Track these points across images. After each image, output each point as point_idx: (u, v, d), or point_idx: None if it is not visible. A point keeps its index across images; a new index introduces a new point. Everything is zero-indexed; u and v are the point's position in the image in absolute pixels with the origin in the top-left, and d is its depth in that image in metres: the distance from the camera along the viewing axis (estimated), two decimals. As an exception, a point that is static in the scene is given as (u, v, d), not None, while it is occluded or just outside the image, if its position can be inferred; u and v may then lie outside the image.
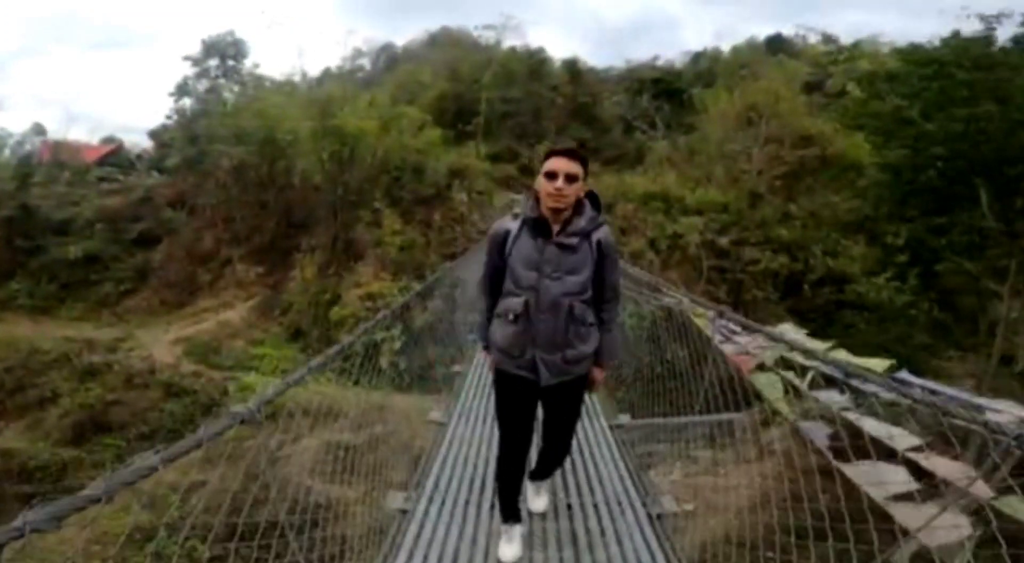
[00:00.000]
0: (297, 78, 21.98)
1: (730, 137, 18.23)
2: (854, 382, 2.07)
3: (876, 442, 2.04)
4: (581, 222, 2.23)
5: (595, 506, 2.97)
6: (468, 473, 3.35)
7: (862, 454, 2.09)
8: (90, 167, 24.75)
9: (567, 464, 3.45)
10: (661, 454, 4.18)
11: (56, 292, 18.52)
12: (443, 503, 2.96)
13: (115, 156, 28.66)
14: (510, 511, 2.57)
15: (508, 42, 26.74)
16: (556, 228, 2.21)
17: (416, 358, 6.52)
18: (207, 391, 11.82)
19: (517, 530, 2.58)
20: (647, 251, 15.71)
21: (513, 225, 2.33)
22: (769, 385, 2.76)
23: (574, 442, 3.97)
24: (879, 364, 2.58)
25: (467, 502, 3.00)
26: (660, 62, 29.16)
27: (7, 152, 25.77)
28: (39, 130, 28.40)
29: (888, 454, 2.06)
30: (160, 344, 14.72)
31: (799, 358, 2.57)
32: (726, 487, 4.09)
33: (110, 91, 57.85)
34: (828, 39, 26.32)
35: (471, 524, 2.78)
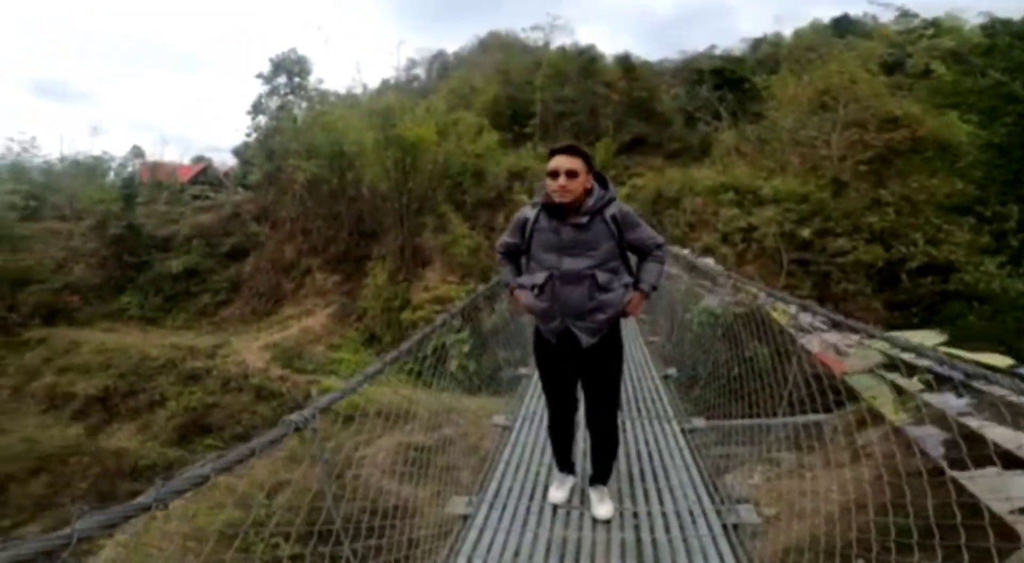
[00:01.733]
0: (358, 91, 22.81)
1: (804, 123, 17.07)
2: (977, 384, 1.81)
3: (999, 449, 1.76)
4: (590, 202, 2.44)
5: (664, 515, 2.78)
6: (531, 479, 3.25)
7: (981, 462, 1.82)
8: (184, 186, 27.01)
9: (634, 470, 3.29)
10: (739, 457, 3.92)
11: (162, 304, 20.20)
12: (504, 509, 2.90)
13: (204, 175, 31.04)
14: (564, 462, 2.95)
15: (557, 42, 26.63)
16: (570, 213, 2.44)
17: (484, 361, 6.54)
18: (292, 394, 12.53)
19: (569, 480, 2.95)
20: (720, 245, 15.01)
21: (532, 212, 2.56)
22: (870, 387, 2.51)
23: (643, 447, 3.82)
24: (999, 361, 2.26)
25: (528, 510, 2.90)
26: (718, 51, 27.89)
27: (112, 175, 28.37)
28: (138, 152, 31.14)
29: (1014, 463, 1.79)
30: (252, 350, 15.75)
31: (907, 357, 2.26)
32: (814, 491, 3.77)
33: (195, 112, 62.95)
34: (904, 16, 24.16)
35: (531, 532, 2.69)
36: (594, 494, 2.83)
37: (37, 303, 18.38)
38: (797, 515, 2.98)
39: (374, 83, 27.28)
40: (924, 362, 2.12)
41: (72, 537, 0.80)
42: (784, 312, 3.36)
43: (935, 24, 21.65)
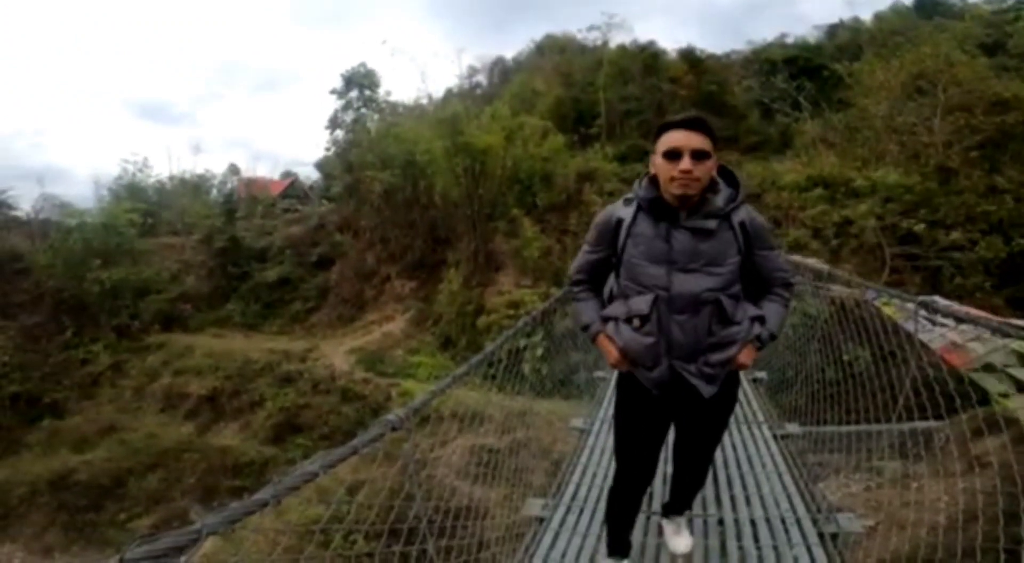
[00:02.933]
0: (424, 101, 23.53)
1: (899, 109, 15.82)
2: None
3: None
4: (717, 201, 1.82)
5: (752, 523, 2.67)
6: (608, 483, 3.21)
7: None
8: (276, 200, 29.07)
9: (720, 476, 3.18)
10: (834, 465, 3.67)
11: (260, 310, 21.78)
12: (581, 512, 2.89)
13: (292, 188, 33.24)
14: (618, 542, 2.28)
15: (616, 40, 26.01)
16: (683, 213, 1.83)
17: (558, 364, 6.52)
18: (374, 396, 13.13)
19: None
20: (810, 241, 14.08)
21: (626, 211, 1.91)
22: (996, 385, 2.26)
23: (731, 452, 3.67)
24: None
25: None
26: (789, 40, 26.36)
27: (214, 191, 31.00)
28: (234, 170, 33.48)
29: None
30: (338, 354, 16.67)
31: None
32: (918, 502, 3.45)
33: (280, 129, 67.51)
34: None
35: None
36: (669, 526, 2.45)
37: (156, 311, 20.46)
38: (899, 526, 2.75)
39: (438, 92, 28.05)
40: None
41: (201, 532, 0.86)
42: (893, 307, 3.09)
43: None
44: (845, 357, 4.01)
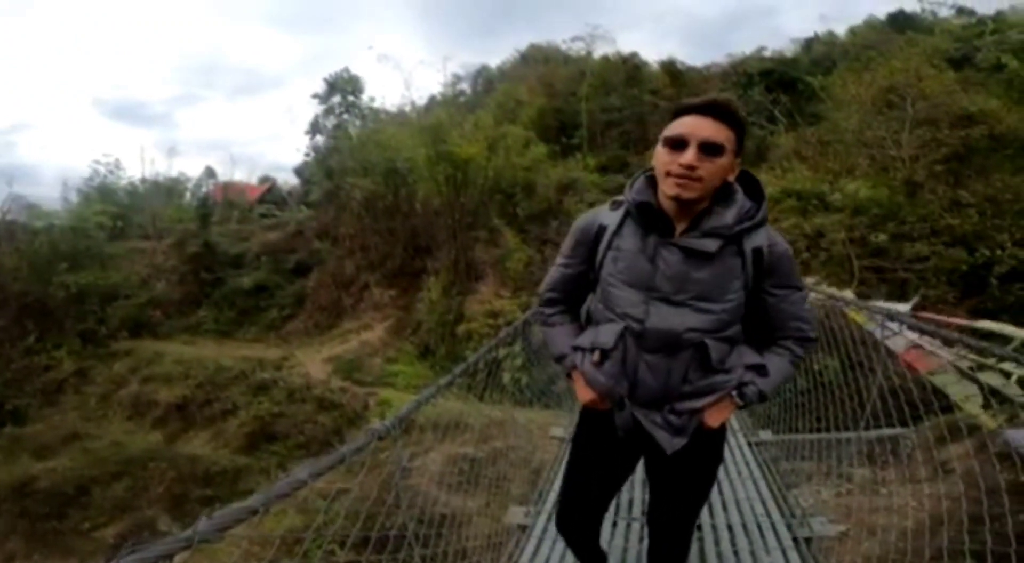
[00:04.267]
0: (407, 108, 23.51)
1: (869, 123, 16.36)
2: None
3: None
4: (727, 216, 1.40)
5: (729, 527, 2.73)
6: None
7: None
8: (253, 205, 28.64)
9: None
10: (806, 472, 3.77)
11: (235, 317, 21.38)
12: (562, 521, 2.91)
13: (271, 194, 32.68)
14: (590, 558, 1.93)
15: (599, 51, 26.40)
16: (681, 226, 1.43)
17: (537, 373, 6.55)
18: (352, 405, 12.96)
19: None
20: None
21: (611, 217, 1.53)
22: (957, 389, 2.36)
23: None
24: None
25: (586, 520, 2.90)
26: (767, 53, 27.12)
27: (188, 195, 30.43)
28: (210, 173, 33.24)
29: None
30: (314, 362, 16.42)
31: (1008, 356, 2.09)
32: (888, 507, 3.58)
33: (258, 133, 66.55)
34: (962, 12, 22.82)
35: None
36: None
37: (124, 317, 19.94)
38: (869, 531, 2.85)
39: (422, 99, 28.16)
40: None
41: (193, 539, 0.85)
42: (860, 314, 3.22)
43: (1000, 19, 20.54)
44: (815, 367, 4.13)
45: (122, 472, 12.94)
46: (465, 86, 33.55)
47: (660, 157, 1.41)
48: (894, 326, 2.90)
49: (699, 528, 2.71)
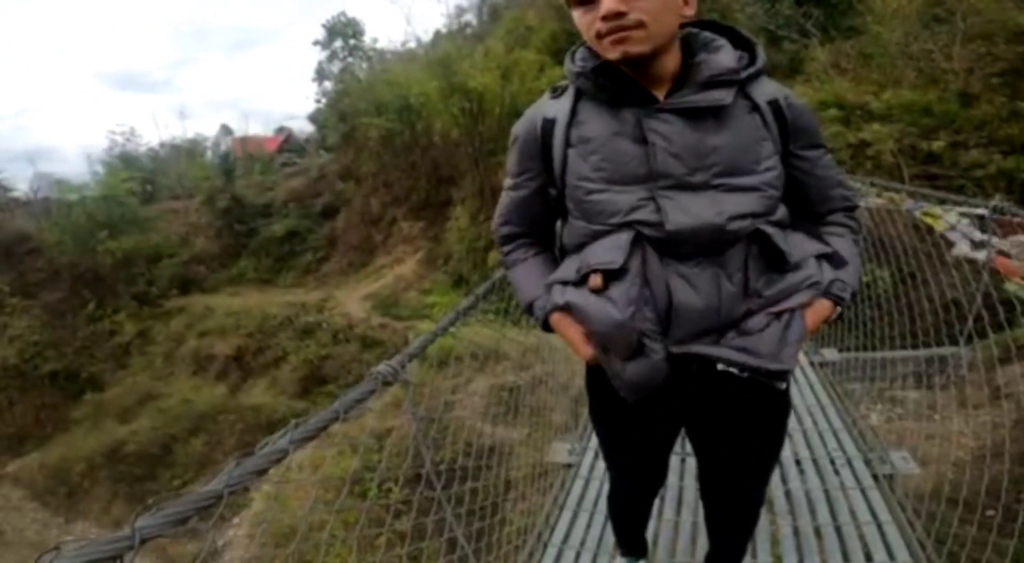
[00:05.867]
0: (412, 44, 22.61)
1: (916, 36, 15.57)
2: None
3: None
4: (722, 59, 1.04)
5: (798, 462, 2.46)
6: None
7: None
8: (273, 156, 28.57)
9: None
10: (856, 395, 3.55)
11: (272, 265, 21.83)
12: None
13: (288, 143, 32.67)
14: (631, 542, 1.69)
15: None
16: (662, 90, 1.05)
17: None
18: (393, 341, 13.28)
19: None
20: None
21: (557, 106, 1.13)
22: None
23: None
24: None
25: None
26: None
27: (208, 153, 30.46)
28: (227, 130, 33.11)
29: None
30: (353, 301, 16.78)
31: None
32: (943, 435, 3.35)
33: (266, 86, 65.34)
34: None
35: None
36: None
37: (171, 275, 20.63)
38: (921, 462, 2.64)
39: (427, 35, 26.74)
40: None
41: (134, 539, 0.80)
42: (938, 218, 2.85)
43: None
44: (864, 278, 3.80)
45: (197, 427, 13.79)
46: (471, 17, 31.69)
47: (579, 21, 1.04)
48: (977, 233, 2.53)
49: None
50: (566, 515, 2.40)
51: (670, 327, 1.05)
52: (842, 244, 1.16)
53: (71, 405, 16.66)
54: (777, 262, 1.05)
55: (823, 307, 1.11)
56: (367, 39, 24.99)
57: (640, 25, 0.97)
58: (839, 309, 1.13)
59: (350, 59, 25.00)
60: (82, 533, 12.17)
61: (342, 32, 24.60)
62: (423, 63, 19.30)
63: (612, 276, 1.04)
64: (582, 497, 2.52)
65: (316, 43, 25.04)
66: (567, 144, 1.09)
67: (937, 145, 13.29)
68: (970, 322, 2.45)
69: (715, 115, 1.02)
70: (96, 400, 16.44)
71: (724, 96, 1.01)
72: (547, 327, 1.20)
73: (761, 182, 1.04)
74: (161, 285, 20.27)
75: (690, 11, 1.04)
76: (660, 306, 1.04)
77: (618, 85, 1.05)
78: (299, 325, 15.99)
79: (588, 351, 1.15)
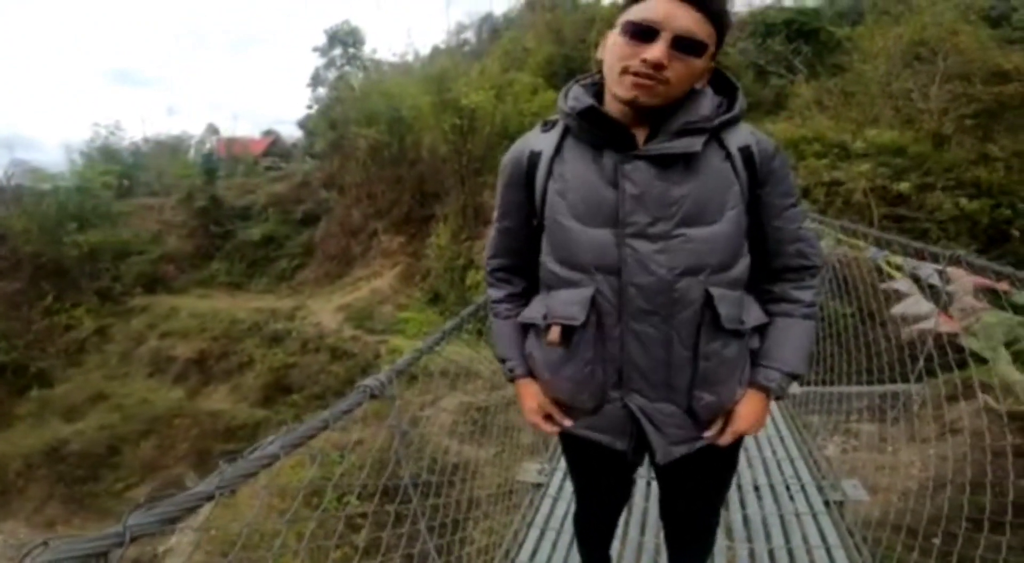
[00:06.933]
0: (410, 57, 23.00)
1: (897, 75, 16.20)
2: None
3: None
4: (700, 107, 1.07)
5: (756, 488, 2.59)
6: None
7: None
8: (258, 159, 28.41)
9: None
10: (814, 426, 3.66)
11: (246, 269, 21.46)
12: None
13: (275, 147, 32.63)
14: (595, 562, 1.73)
15: None
16: (641, 134, 1.08)
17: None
18: (364, 354, 13.07)
19: None
20: (800, 200, 14.21)
21: (545, 140, 1.16)
22: (990, 349, 2.15)
23: None
24: None
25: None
26: (789, 3, 25.83)
27: (192, 152, 30.09)
28: (213, 130, 32.97)
29: None
30: (326, 312, 16.50)
31: None
32: (892, 466, 3.48)
33: (260, 88, 65.36)
34: None
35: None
36: None
37: (138, 273, 20.06)
38: (871, 490, 2.75)
39: (425, 49, 27.26)
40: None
41: (125, 536, 0.80)
42: (896, 265, 2.96)
43: None
44: (828, 314, 3.94)
45: (149, 430, 13.25)
46: (470, 35, 32.43)
47: (617, 48, 1.05)
48: (936, 280, 2.65)
49: (724, 489, 2.58)
50: (534, 533, 2.38)
51: (623, 382, 1.13)
52: (794, 329, 1.17)
53: (16, 400, 15.85)
54: (723, 326, 1.09)
55: (755, 402, 1.17)
56: (367, 49, 25.36)
57: (666, 82, 1.02)
58: (777, 394, 1.18)
59: (347, 67, 25.23)
60: (10, 534, 11.46)
61: (343, 40, 24.86)
62: (419, 77, 19.55)
63: (571, 331, 1.11)
64: (550, 516, 2.51)
65: (316, 49, 25.32)
66: (549, 177, 1.14)
67: (904, 186, 13.81)
68: (921, 362, 2.55)
69: (686, 162, 1.06)
70: (43, 396, 15.68)
71: (694, 144, 1.05)
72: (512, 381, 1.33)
73: (721, 232, 1.07)
74: (126, 282, 19.66)
75: (702, 84, 1.09)
76: (615, 364, 1.12)
77: (601, 129, 1.08)
78: (268, 332, 15.63)
79: (534, 419, 1.28)
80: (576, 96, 1.12)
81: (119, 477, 12.47)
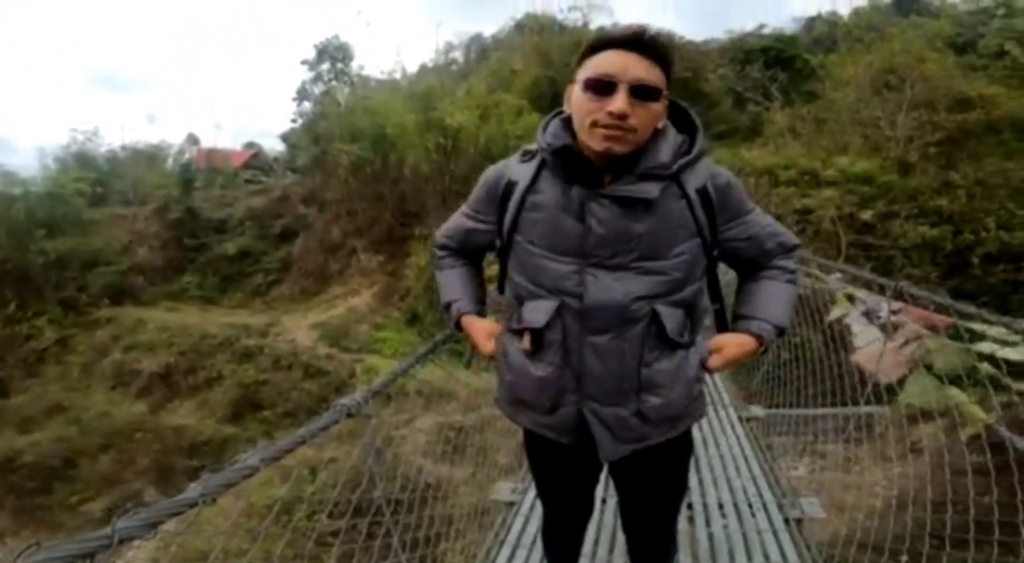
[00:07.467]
0: (398, 75, 23.19)
1: (865, 103, 16.66)
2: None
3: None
4: (661, 152, 1.18)
5: (720, 506, 2.70)
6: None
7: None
8: (237, 171, 28.10)
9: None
10: (783, 447, 3.79)
11: (219, 284, 21.06)
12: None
13: (256, 160, 32.24)
14: None
15: (596, 22, 26.08)
16: (609, 175, 1.20)
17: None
18: (338, 372, 12.89)
19: None
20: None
21: (522, 171, 1.29)
22: (924, 392, 2.27)
23: (697, 434, 3.70)
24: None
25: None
26: (767, 30, 26.93)
27: (170, 161, 29.71)
28: (193, 140, 32.78)
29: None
30: (301, 329, 16.26)
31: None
32: (858, 485, 3.61)
33: (244, 99, 65.16)
34: None
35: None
36: None
37: (105, 284, 19.52)
38: (838, 509, 2.86)
39: (413, 67, 27.54)
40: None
41: (113, 538, 0.83)
42: (845, 300, 3.13)
43: (1007, 4, 20.57)
44: (796, 339, 4.10)
45: (108, 444, 12.84)
46: (458, 54, 32.90)
47: (582, 104, 1.15)
48: (883, 312, 2.81)
49: (689, 507, 2.67)
50: (505, 551, 2.43)
51: (580, 389, 1.26)
52: (774, 290, 1.33)
53: (-33, 411, 15.17)
54: (667, 340, 1.23)
55: (737, 343, 1.32)
56: (355, 65, 25.59)
57: (633, 129, 1.13)
58: (763, 346, 1.32)
59: (335, 82, 25.36)
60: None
61: (332, 55, 25.03)
62: (405, 94, 19.66)
63: (539, 337, 1.25)
64: (522, 533, 2.56)
65: (304, 62, 25.42)
66: (521, 207, 1.26)
67: (869, 215, 14.14)
68: (882, 385, 2.68)
69: (645, 204, 1.18)
70: (-3, 406, 15.07)
71: (652, 190, 1.17)
72: (459, 326, 1.48)
73: (670, 266, 1.21)
74: (92, 292, 19.10)
75: (663, 124, 1.21)
76: (575, 369, 1.25)
77: (573, 167, 1.20)
78: (239, 348, 15.31)
79: (489, 347, 1.41)
80: (554, 132, 1.24)
81: (74, 490, 12.02)
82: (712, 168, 1.26)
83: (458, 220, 1.47)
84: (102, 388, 15.29)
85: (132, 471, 12.13)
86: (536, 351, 1.26)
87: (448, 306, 1.47)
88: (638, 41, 1.13)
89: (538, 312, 1.24)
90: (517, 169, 1.30)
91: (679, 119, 1.27)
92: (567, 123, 1.24)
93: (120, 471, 12.25)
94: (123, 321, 17.77)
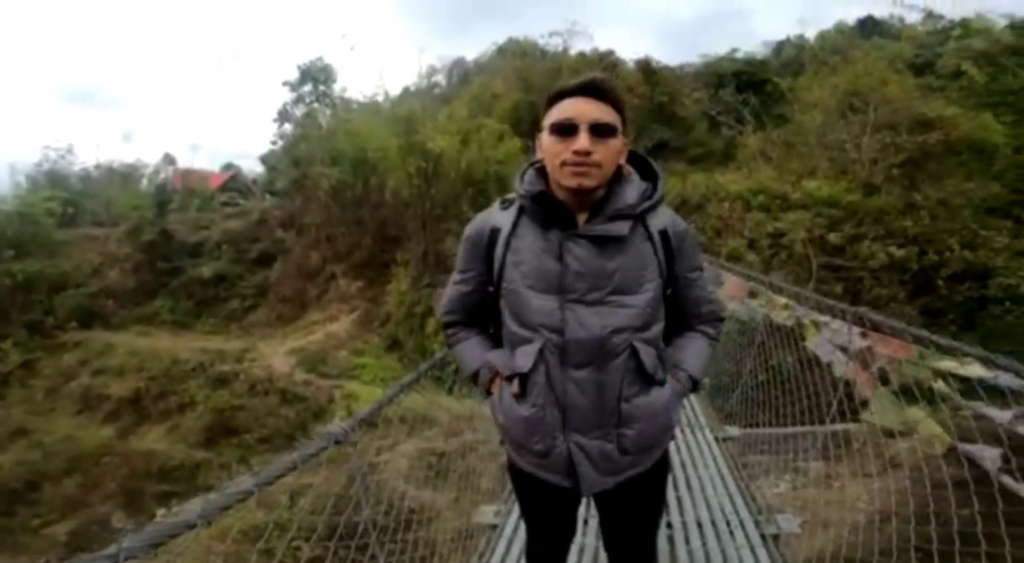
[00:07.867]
0: (380, 98, 23.21)
1: (831, 126, 16.99)
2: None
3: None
4: (627, 195, 1.31)
5: (699, 525, 2.76)
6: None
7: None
8: (215, 193, 27.75)
9: (668, 480, 3.26)
10: (764, 465, 3.87)
11: (192, 308, 20.70)
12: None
13: (234, 182, 31.77)
14: None
15: (576, 47, 26.68)
16: (583, 216, 1.31)
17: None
18: (316, 398, 12.70)
19: None
20: (747, 252, 14.80)
21: (503, 218, 1.40)
22: (885, 412, 2.42)
23: (675, 456, 3.78)
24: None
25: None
26: (739, 54, 27.82)
27: (145, 181, 29.26)
28: (170, 160, 32.21)
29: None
30: (277, 355, 16.01)
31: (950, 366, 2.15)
32: (840, 501, 3.72)
33: (223, 120, 64.64)
34: (931, 17, 23.79)
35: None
36: None
37: (74, 307, 19.03)
38: (822, 524, 2.94)
39: (396, 90, 27.77)
40: (976, 372, 2.02)
41: (119, 556, 0.87)
42: (814, 329, 3.29)
43: (964, 25, 21.40)
44: (771, 362, 4.22)
45: (73, 468, 12.48)
46: (440, 78, 33.11)
47: (550, 147, 1.29)
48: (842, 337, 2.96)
49: (669, 526, 2.72)
50: (490, 575, 2.44)
51: (566, 424, 1.33)
52: (693, 344, 1.47)
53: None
54: (644, 374, 1.33)
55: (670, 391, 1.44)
56: (337, 87, 25.36)
57: (597, 165, 1.26)
58: (684, 388, 1.45)
59: (316, 104, 25.22)
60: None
61: (315, 77, 24.92)
62: (387, 118, 19.58)
63: (525, 381, 1.33)
64: (506, 555, 2.59)
65: (286, 83, 25.23)
66: (507, 251, 1.37)
67: (838, 237, 14.36)
68: (857, 401, 2.81)
69: (616, 242, 1.30)
70: (-42, 430, 14.40)
71: (622, 228, 1.29)
72: (489, 391, 1.49)
73: (641, 301, 1.32)
74: (60, 315, 18.61)
75: (623, 159, 1.34)
76: (560, 405, 1.33)
77: (549, 212, 1.32)
78: (213, 373, 14.99)
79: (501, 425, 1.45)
80: (530, 180, 1.35)
81: (37, 514, 11.63)
82: (673, 215, 1.41)
83: (451, 291, 1.52)
84: (68, 412, 14.80)
85: (98, 495, 11.73)
86: (523, 394, 1.34)
87: (475, 376, 1.49)
88: (592, 88, 1.29)
89: (525, 356, 1.32)
90: (498, 216, 1.41)
91: (642, 168, 1.40)
92: (541, 172, 1.36)
93: (86, 495, 11.84)
94: (92, 345, 17.29)
